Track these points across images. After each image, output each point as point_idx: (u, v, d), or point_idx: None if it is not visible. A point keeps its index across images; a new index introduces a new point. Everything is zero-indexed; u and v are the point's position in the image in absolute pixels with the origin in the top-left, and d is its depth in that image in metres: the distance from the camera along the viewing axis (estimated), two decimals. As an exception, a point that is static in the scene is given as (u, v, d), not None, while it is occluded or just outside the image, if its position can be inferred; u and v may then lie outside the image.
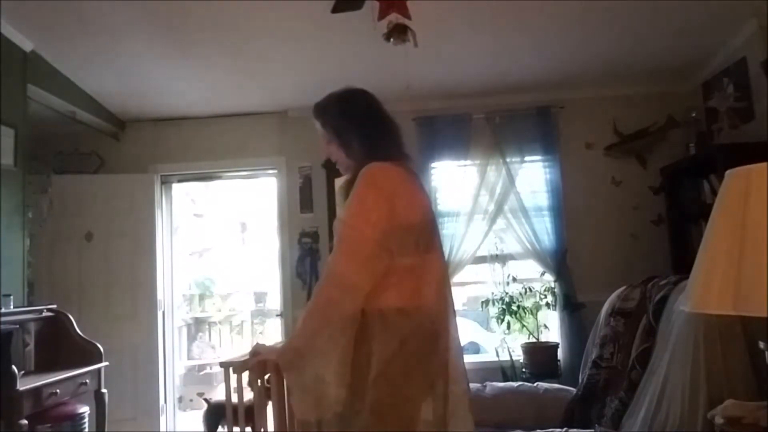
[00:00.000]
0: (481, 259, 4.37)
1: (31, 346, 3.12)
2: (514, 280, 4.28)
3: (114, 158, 4.56)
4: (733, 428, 1.66)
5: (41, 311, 3.25)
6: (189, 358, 6.25)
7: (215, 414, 3.86)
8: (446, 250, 4.12)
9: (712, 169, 3.43)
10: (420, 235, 1.61)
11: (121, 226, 4.37)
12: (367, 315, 1.55)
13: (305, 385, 1.56)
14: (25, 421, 2.63)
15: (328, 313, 1.54)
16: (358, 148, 1.68)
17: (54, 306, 3.36)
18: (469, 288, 5.62)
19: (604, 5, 3.20)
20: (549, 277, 4.24)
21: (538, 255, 4.20)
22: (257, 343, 1.78)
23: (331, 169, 4.17)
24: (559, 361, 4.04)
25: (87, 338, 3.34)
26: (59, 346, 3.27)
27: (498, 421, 2.85)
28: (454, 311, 1.71)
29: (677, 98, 4.24)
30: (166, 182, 4.72)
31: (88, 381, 3.21)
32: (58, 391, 2.92)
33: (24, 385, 2.68)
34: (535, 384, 3.14)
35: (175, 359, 4.76)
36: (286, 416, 1.73)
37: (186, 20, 3.21)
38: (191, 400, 5.61)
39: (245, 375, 1.73)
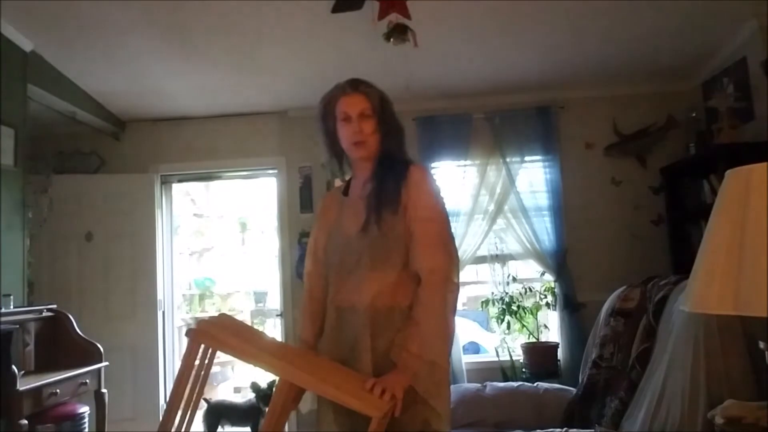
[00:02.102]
0: (481, 259, 4.36)
1: (31, 346, 3.12)
2: (514, 280, 4.28)
3: (114, 158, 4.56)
4: (733, 428, 1.66)
5: (41, 311, 3.25)
6: (189, 358, 6.23)
7: (215, 414, 3.87)
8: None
9: (712, 169, 3.43)
10: None
11: (121, 226, 4.36)
12: (395, 311, 1.59)
13: (442, 396, 1.58)
14: (25, 421, 2.63)
15: (450, 315, 1.58)
16: (399, 141, 1.75)
17: (54, 306, 3.36)
18: (469, 288, 5.62)
19: (605, 5, 3.20)
20: (549, 277, 4.23)
21: (538, 255, 4.20)
22: (378, 379, 1.48)
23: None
24: (559, 361, 4.04)
25: (87, 338, 3.34)
26: (59, 346, 3.27)
27: (498, 421, 2.86)
28: None
29: (677, 98, 4.24)
30: (166, 182, 4.72)
31: (88, 381, 3.21)
32: (58, 391, 2.92)
33: (24, 385, 2.68)
34: (535, 384, 3.15)
35: (175, 359, 4.75)
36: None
37: (186, 20, 3.21)
38: (191, 400, 5.60)
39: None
